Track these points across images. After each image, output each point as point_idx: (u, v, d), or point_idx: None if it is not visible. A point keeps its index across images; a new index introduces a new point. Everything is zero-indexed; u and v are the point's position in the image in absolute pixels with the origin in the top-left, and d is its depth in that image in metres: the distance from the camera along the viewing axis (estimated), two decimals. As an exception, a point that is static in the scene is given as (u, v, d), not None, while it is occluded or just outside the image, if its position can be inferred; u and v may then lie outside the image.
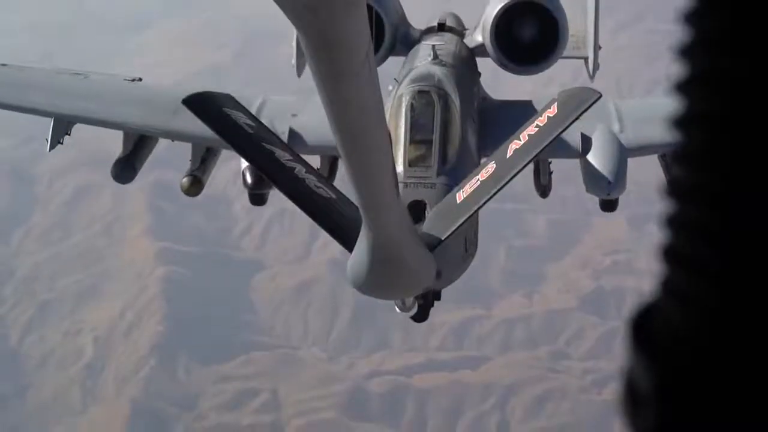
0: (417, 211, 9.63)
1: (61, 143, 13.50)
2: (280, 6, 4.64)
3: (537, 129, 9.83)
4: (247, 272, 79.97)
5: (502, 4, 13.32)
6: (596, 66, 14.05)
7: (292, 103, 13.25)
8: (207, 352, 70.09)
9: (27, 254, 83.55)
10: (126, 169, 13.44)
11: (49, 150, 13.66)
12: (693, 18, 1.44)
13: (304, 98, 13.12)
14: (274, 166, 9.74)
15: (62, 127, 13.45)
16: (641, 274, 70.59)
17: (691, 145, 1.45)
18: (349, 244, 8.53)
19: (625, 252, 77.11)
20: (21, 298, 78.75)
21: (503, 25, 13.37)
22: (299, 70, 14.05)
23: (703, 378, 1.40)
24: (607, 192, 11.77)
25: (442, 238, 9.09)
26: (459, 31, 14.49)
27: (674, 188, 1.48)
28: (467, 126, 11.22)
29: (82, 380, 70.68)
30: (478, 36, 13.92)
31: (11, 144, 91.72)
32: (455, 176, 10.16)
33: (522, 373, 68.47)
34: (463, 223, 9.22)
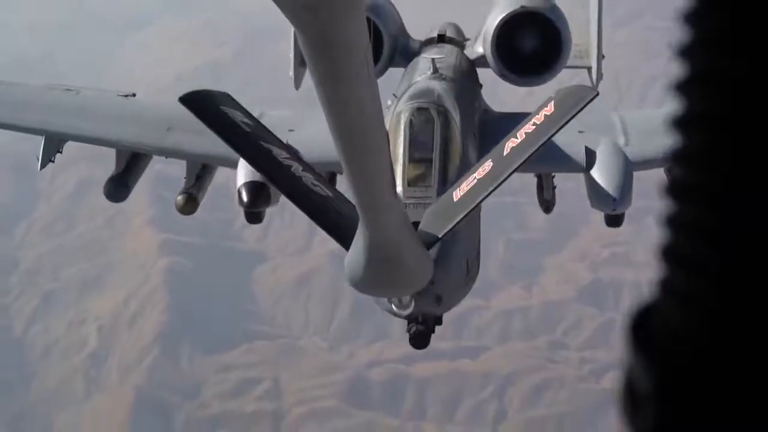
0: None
1: (53, 161, 13.15)
2: (279, 6, 4.61)
3: (534, 127, 9.66)
4: (249, 264, 79.97)
5: (504, 15, 12.97)
6: (599, 76, 13.51)
7: (289, 117, 12.97)
8: (209, 342, 70.24)
9: (31, 246, 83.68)
10: (119, 187, 13.16)
11: (41, 169, 13.26)
12: (693, 18, 1.42)
13: (301, 113, 13.03)
14: (271, 164, 9.55)
15: (53, 145, 13.18)
16: (639, 266, 70.48)
17: (691, 145, 1.44)
18: (345, 241, 8.40)
19: (623, 244, 76.15)
20: (25, 289, 78.95)
21: (505, 36, 13.02)
22: (297, 83, 13.71)
23: (703, 378, 1.38)
24: (612, 208, 11.56)
25: (439, 236, 8.97)
26: (459, 42, 14.11)
27: (674, 188, 1.47)
28: (468, 142, 10.92)
29: (86, 369, 70.89)
30: (479, 47, 13.55)
31: (14, 138, 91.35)
32: None
33: (520, 362, 68.53)
34: (459, 221, 9.05)
